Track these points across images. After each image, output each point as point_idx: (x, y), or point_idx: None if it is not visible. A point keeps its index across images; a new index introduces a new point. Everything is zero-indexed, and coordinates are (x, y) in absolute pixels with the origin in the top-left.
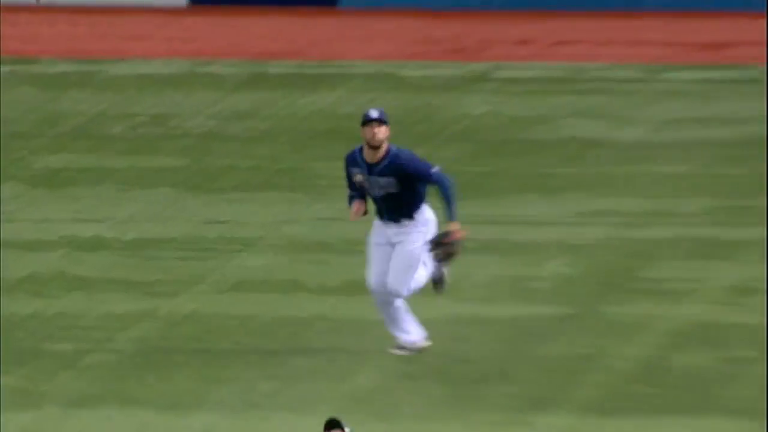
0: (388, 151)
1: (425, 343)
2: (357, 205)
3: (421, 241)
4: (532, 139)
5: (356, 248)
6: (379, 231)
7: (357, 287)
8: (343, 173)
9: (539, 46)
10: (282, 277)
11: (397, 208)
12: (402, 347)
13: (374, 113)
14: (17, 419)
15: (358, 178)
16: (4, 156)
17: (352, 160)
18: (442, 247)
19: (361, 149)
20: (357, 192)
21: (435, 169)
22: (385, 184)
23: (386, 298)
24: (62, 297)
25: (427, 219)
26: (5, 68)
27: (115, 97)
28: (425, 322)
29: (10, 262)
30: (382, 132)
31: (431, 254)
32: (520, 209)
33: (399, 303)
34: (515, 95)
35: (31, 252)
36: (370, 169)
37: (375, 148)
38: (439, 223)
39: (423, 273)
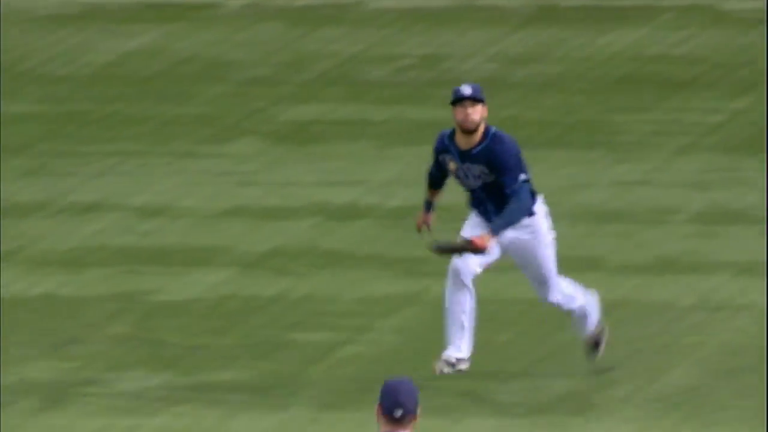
0: (485, 134)
1: (464, 367)
2: (423, 217)
3: (549, 240)
4: None
5: (667, 218)
6: (476, 226)
7: (668, 265)
8: (433, 147)
9: None
10: (575, 253)
11: (503, 205)
12: (449, 363)
13: (467, 90)
14: (259, 423)
15: (452, 166)
16: (241, 106)
17: (442, 146)
18: (452, 249)
19: (452, 133)
20: (439, 173)
21: (521, 179)
22: (479, 173)
23: (460, 282)
24: (311, 276)
25: (545, 211)
26: (243, 0)
27: (375, 35)
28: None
29: (249, 233)
30: (477, 112)
31: (434, 245)
32: None
33: (471, 302)
34: None
35: (273, 222)
36: (462, 156)
37: (469, 132)
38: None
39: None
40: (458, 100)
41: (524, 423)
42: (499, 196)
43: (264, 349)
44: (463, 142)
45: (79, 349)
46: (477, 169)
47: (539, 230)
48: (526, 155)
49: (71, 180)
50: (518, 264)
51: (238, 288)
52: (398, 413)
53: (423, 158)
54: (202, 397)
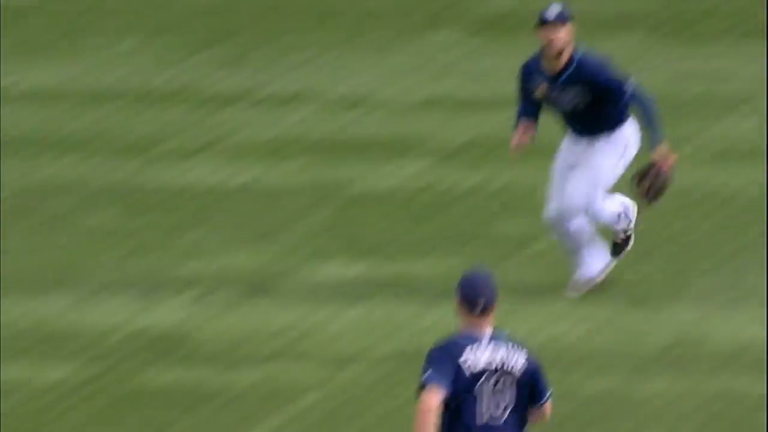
0: (572, 57)
1: (601, 276)
2: (521, 130)
3: (615, 158)
4: None
5: None
6: (569, 148)
7: None
8: (517, 84)
9: None
10: None
11: (593, 123)
12: (576, 286)
13: (551, 13)
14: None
15: (541, 91)
16: None
17: (529, 71)
18: (647, 180)
19: (539, 56)
20: (531, 108)
21: (629, 84)
22: (571, 98)
23: (563, 230)
24: (508, 168)
25: (628, 137)
26: None
27: None
28: None
29: (446, 124)
30: (561, 36)
31: (637, 192)
32: None
33: (581, 227)
34: None
35: (470, 113)
36: (552, 80)
37: (554, 56)
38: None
39: (615, 204)
40: (541, 23)
41: (722, 313)
42: (590, 121)
43: (461, 240)
44: (550, 66)
45: (279, 239)
46: (570, 92)
47: (618, 137)
48: (727, 48)
49: (271, 71)
50: (573, 168)
51: (436, 179)
52: (479, 308)
53: (626, 49)
54: (399, 288)
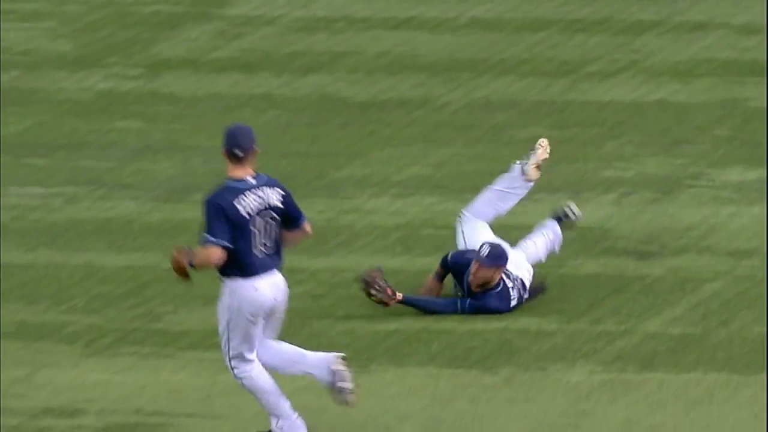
0: (492, 289)
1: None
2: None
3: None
4: None
5: None
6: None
7: None
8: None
9: None
10: None
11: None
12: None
13: (497, 257)
14: None
15: (460, 292)
16: None
17: (465, 270)
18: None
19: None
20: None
21: (463, 304)
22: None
23: None
24: None
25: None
26: None
27: None
28: None
29: None
30: (495, 277)
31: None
32: None
33: None
34: None
35: None
36: (470, 293)
37: (481, 286)
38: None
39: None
40: (490, 265)
41: None
42: (470, 293)
43: None
44: (474, 286)
45: (688, 148)
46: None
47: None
48: None
49: (684, 1)
50: None
51: None
52: (241, 154)
53: None
54: None
